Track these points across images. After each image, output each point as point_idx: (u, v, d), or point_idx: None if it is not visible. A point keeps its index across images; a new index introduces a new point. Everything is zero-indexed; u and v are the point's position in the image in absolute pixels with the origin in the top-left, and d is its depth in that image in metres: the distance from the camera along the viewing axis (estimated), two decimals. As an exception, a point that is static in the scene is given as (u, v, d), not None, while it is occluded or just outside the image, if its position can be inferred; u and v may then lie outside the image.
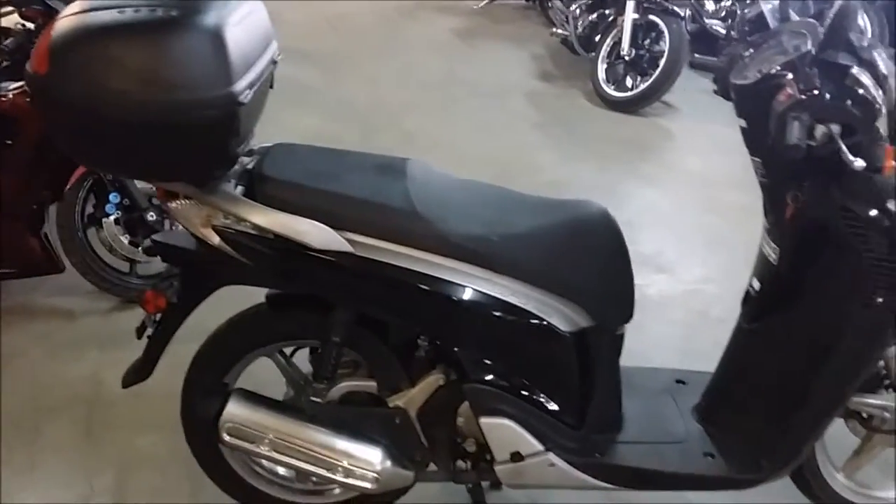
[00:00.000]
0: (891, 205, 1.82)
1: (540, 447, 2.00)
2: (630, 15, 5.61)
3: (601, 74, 5.75)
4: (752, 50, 2.00)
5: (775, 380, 2.07)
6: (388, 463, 2.01)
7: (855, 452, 2.28)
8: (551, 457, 2.01)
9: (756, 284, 2.11)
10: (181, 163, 1.75)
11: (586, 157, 4.89)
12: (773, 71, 1.85)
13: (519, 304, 1.91)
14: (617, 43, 5.70)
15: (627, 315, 2.06)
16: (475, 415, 1.98)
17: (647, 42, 5.64)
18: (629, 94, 5.58)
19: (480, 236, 1.88)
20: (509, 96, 5.82)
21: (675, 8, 5.51)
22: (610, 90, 5.67)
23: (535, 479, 2.04)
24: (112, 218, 3.21)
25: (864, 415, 2.21)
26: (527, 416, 2.00)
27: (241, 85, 1.68)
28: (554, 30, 6.36)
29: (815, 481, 2.24)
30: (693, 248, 3.98)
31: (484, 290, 1.88)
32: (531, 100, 5.78)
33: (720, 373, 2.19)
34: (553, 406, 2.04)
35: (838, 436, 2.25)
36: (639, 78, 5.60)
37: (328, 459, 1.98)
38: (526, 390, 2.01)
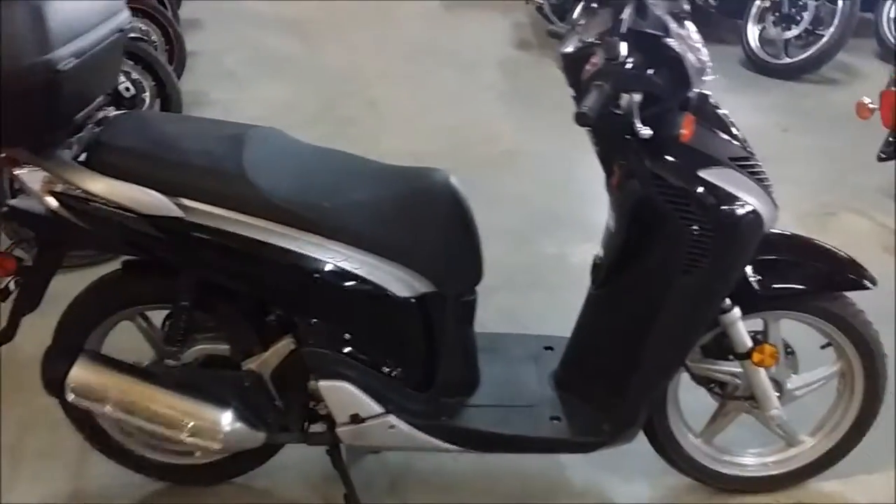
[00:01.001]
0: (701, 173, 1.85)
1: (379, 409, 2.05)
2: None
3: (574, 43, 5.71)
4: (584, 19, 2.01)
5: (615, 345, 2.11)
6: (238, 424, 2.08)
7: (711, 418, 2.31)
8: (391, 419, 2.06)
9: (601, 252, 2.14)
10: (11, 129, 1.81)
11: (544, 127, 4.89)
12: (590, 40, 1.87)
13: (351, 269, 1.96)
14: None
15: (473, 281, 2.10)
16: (314, 378, 2.04)
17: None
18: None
19: (311, 202, 1.93)
20: (482, 65, 5.84)
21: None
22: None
23: (377, 441, 2.11)
24: None
25: (717, 381, 2.24)
26: (366, 379, 2.05)
27: (61, 53, 1.74)
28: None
29: (669, 446, 2.27)
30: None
31: (314, 255, 1.93)
32: (503, 69, 5.79)
33: (573, 339, 2.24)
34: (396, 369, 2.09)
35: (707, 402, 2.29)
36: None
37: (172, 419, 2.05)
38: (365, 354, 2.06)
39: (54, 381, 2.08)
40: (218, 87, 5.54)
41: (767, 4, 5.71)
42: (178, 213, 1.88)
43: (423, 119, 4.97)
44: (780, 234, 2.12)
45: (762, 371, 2.14)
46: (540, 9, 6.27)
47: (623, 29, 1.77)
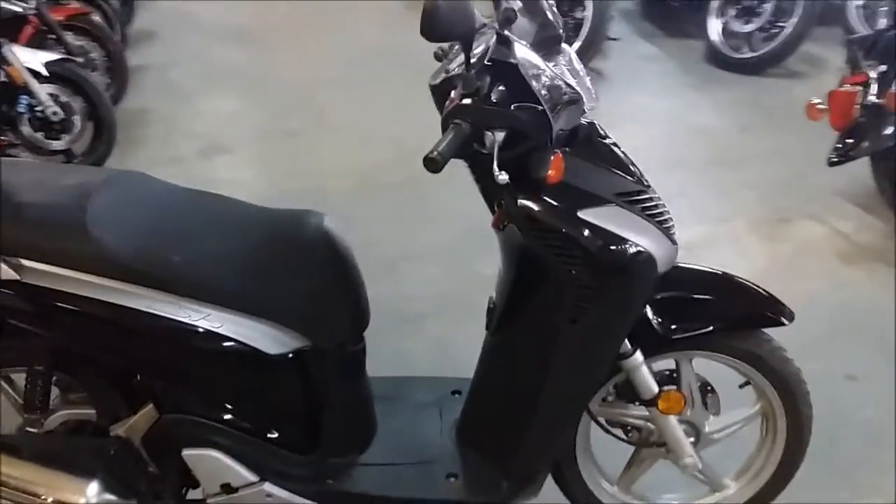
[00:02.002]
0: (582, 213, 1.68)
1: (253, 478, 1.90)
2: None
3: (527, 43, 5.54)
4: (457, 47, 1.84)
5: (509, 395, 1.95)
6: (105, 495, 1.91)
7: (627, 465, 2.15)
8: (267, 486, 1.91)
9: (494, 295, 1.98)
10: None
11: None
12: (454, 72, 1.71)
13: (209, 328, 1.79)
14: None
15: (354, 331, 1.94)
16: (177, 446, 1.88)
17: (570, 10, 5.42)
18: (552, 63, 5.38)
19: (159, 257, 1.77)
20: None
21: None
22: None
23: None
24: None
25: (629, 427, 2.07)
26: (237, 445, 1.89)
27: None
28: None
29: (582, 496, 2.11)
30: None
31: (165, 315, 1.77)
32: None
33: (471, 388, 2.07)
34: (272, 432, 1.93)
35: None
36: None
37: (34, 492, 1.89)
38: (235, 418, 1.90)
39: None
40: (163, 102, 5.37)
41: (728, -4, 5.52)
42: (12, 275, 1.72)
43: (369, 129, 4.80)
44: (687, 269, 1.96)
45: (671, 417, 1.97)
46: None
47: (486, 60, 1.61)
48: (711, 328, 1.93)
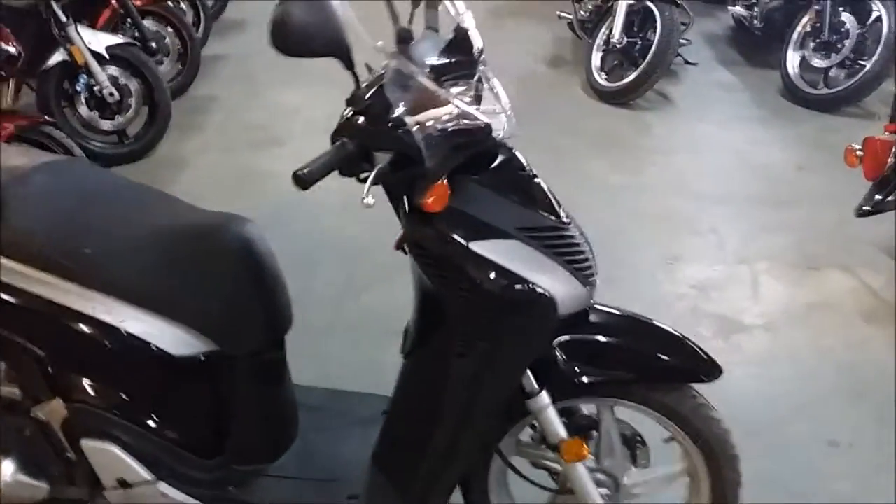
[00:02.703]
0: (474, 245, 1.62)
1: (148, 476, 1.92)
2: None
3: (595, 63, 5.44)
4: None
5: (412, 423, 1.91)
6: (18, 475, 1.98)
7: (544, 511, 2.08)
8: (162, 486, 1.93)
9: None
10: None
11: (534, 152, 4.63)
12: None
13: (113, 323, 1.83)
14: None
15: (269, 341, 1.94)
16: (77, 436, 1.92)
17: (640, 31, 5.29)
18: (616, 84, 5.26)
19: (71, 248, 1.81)
20: (502, 79, 5.58)
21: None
22: (600, 79, 5.37)
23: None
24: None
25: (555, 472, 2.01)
26: (136, 441, 1.92)
27: None
28: (560, 13, 6.04)
29: None
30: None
31: (73, 306, 1.81)
32: (522, 85, 5.54)
33: (388, 410, 2.04)
34: (174, 433, 1.95)
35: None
36: (632, 68, 5.26)
37: None
38: (137, 415, 1.93)
39: None
40: (231, 91, 5.50)
41: (809, 29, 5.26)
42: None
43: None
44: (610, 313, 1.89)
45: (578, 465, 1.89)
46: (571, 25, 5.99)
47: (387, 79, 1.58)
48: (623, 377, 1.85)
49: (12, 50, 3.40)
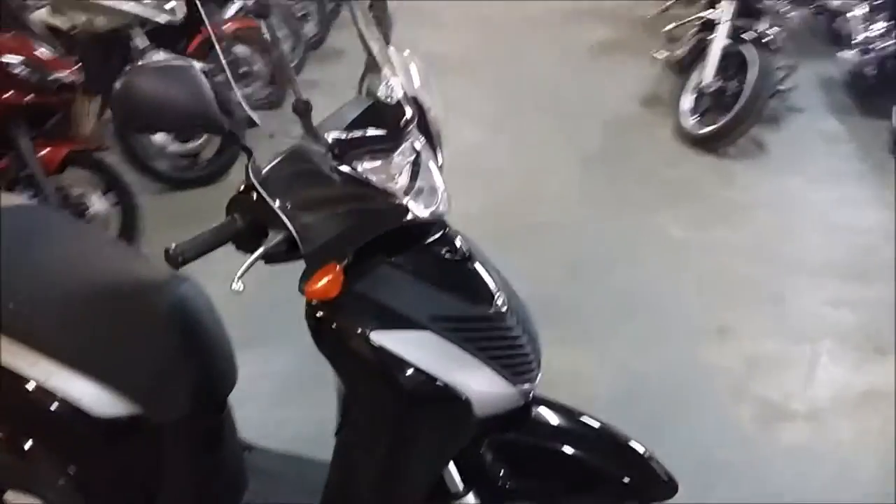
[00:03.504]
0: (375, 335, 1.49)
1: None
2: (721, 41, 4.98)
3: (685, 105, 5.16)
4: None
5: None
6: None
7: None
8: None
9: None
10: None
11: (603, 201, 4.43)
12: None
13: (35, 378, 1.78)
14: (711, 72, 5.07)
15: (203, 406, 1.86)
16: (3, 487, 1.89)
17: (736, 74, 4.97)
18: (705, 130, 4.97)
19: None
20: (587, 119, 5.40)
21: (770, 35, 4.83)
22: (690, 123, 5.09)
23: None
24: None
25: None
26: (59, 500, 1.87)
27: None
28: (655, 53, 5.75)
29: None
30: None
31: None
32: (609, 127, 5.33)
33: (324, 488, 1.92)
34: (100, 495, 1.89)
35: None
36: (724, 113, 4.95)
37: None
38: (62, 474, 1.87)
39: None
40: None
41: (924, 80, 4.84)
42: None
43: (485, 166, 4.70)
44: (559, 413, 1.73)
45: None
46: (668, 62, 5.71)
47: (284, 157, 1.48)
48: (555, 487, 1.67)
49: (69, 78, 3.46)
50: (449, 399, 1.52)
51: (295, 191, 1.44)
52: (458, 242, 1.61)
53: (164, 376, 1.82)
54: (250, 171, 1.47)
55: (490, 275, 1.61)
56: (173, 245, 1.38)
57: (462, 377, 1.52)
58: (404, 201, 1.50)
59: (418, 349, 1.50)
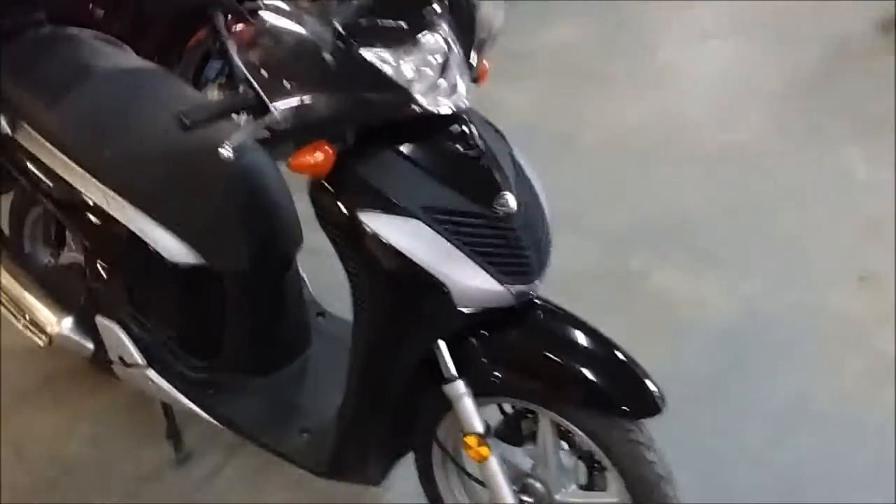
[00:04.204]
0: (362, 214, 1.59)
1: (141, 360, 2.15)
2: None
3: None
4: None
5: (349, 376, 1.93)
6: (69, 331, 2.30)
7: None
8: (150, 372, 2.16)
9: None
10: None
11: (793, 131, 4.15)
12: None
13: (120, 219, 2.05)
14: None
15: (265, 263, 2.06)
16: (93, 312, 2.19)
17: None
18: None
19: (93, 148, 2.05)
20: (809, 40, 4.97)
21: None
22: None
23: (142, 387, 2.22)
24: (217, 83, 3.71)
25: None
26: (136, 328, 2.16)
27: None
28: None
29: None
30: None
31: (89, 196, 2.07)
32: (828, 48, 4.88)
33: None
34: (170, 329, 2.16)
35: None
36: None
37: (20, 307, 2.35)
38: (142, 306, 2.15)
39: None
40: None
41: None
42: (6, 130, 2.13)
43: (684, 78, 4.57)
44: (558, 317, 1.77)
45: (488, 462, 1.79)
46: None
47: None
48: (536, 387, 1.71)
49: None
50: (429, 287, 1.60)
51: (294, 70, 1.53)
52: (473, 139, 1.65)
53: (226, 231, 2.03)
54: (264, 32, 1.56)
55: (502, 174, 1.65)
56: (183, 109, 1.53)
57: (446, 269, 1.59)
58: (415, 94, 1.56)
59: (404, 235, 1.59)
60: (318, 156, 1.55)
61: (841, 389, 2.64)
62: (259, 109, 1.53)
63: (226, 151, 1.52)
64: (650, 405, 1.68)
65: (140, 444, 2.49)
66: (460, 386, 1.75)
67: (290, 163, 1.56)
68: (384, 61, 1.55)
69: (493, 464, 1.79)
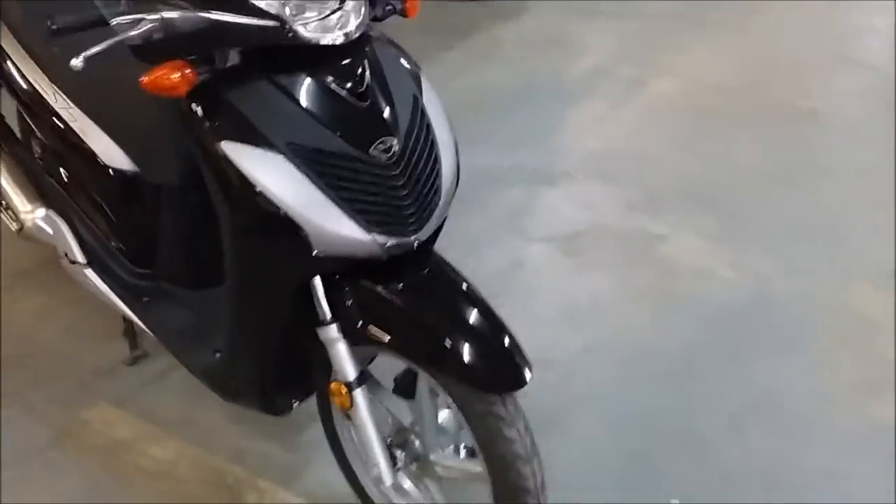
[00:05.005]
0: (225, 145, 1.55)
1: (81, 259, 2.22)
2: None
3: None
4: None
5: None
6: (39, 220, 2.38)
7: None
8: (89, 272, 2.22)
9: None
10: None
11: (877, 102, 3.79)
12: None
13: (68, 121, 2.09)
14: None
15: (185, 179, 2.05)
16: (47, 204, 2.27)
17: None
18: None
19: (41, 37, 2.05)
20: None
21: None
22: None
23: (82, 284, 2.29)
24: None
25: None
26: (81, 227, 2.22)
27: None
28: None
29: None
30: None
31: (44, 95, 2.12)
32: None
33: None
34: (114, 235, 2.22)
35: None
36: None
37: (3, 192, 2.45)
38: (86, 206, 2.21)
39: None
40: None
41: None
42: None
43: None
44: (438, 275, 1.72)
45: (356, 410, 1.74)
46: None
47: None
48: (396, 345, 1.65)
49: None
50: (286, 228, 1.55)
51: None
52: (363, 76, 1.57)
53: (161, 144, 2.01)
54: None
55: (390, 118, 1.58)
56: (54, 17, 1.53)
57: (304, 211, 1.54)
58: (293, 21, 1.48)
59: (264, 170, 1.53)
60: (175, 75, 1.50)
61: (821, 395, 2.43)
62: (127, 24, 1.50)
63: (76, 62, 1.49)
64: (511, 380, 1.59)
65: (106, 339, 2.57)
66: (333, 330, 1.70)
67: (143, 80, 1.52)
68: None
69: (361, 413, 1.74)
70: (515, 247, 3.00)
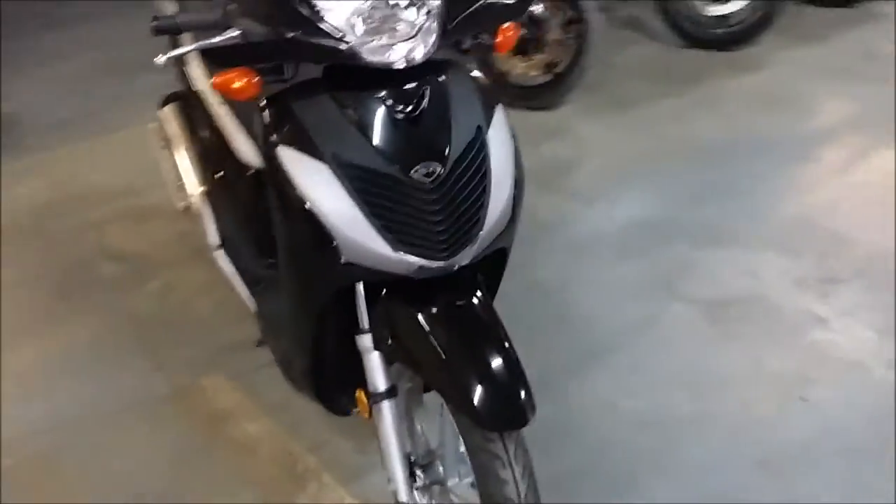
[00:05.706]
0: (281, 149, 1.69)
1: (216, 243, 2.48)
2: None
3: None
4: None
5: None
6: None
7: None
8: (219, 254, 2.51)
9: None
10: None
11: None
12: None
13: (212, 113, 2.35)
14: None
15: None
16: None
17: None
18: None
19: None
20: None
21: None
22: None
23: (218, 265, 2.53)
24: None
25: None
26: (222, 214, 2.46)
27: None
28: None
29: None
30: None
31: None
32: None
33: None
34: (246, 224, 2.40)
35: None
36: None
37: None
38: (228, 196, 2.44)
39: None
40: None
41: None
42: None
43: None
44: (465, 305, 1.73)
45: (381, 423, 1.79)
46: None
47: None
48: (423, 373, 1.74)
49: None
50: (318, 231, 1.64)
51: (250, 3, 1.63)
52: (421, 100, 1.64)
53: None
54: None
55: (439, 143, 1.63)
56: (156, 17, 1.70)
57: (338, 220, 1.63)
58: (357, 44, 1.59)
59: (308, 176, 1.65)
60: (240, 81, 1.64)
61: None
62: (214, 32, 1.66)
63: (159, 59, 1.67)
64: (508, 418, 1.59)
65: (247, 319, 2.75)
66: (367, 339, 1.77)
67: (214, 80, 1.68)
68: (327, 8, 1.59)
69: (383, 426, 1.79)
70: (656, 301, 2.90)
